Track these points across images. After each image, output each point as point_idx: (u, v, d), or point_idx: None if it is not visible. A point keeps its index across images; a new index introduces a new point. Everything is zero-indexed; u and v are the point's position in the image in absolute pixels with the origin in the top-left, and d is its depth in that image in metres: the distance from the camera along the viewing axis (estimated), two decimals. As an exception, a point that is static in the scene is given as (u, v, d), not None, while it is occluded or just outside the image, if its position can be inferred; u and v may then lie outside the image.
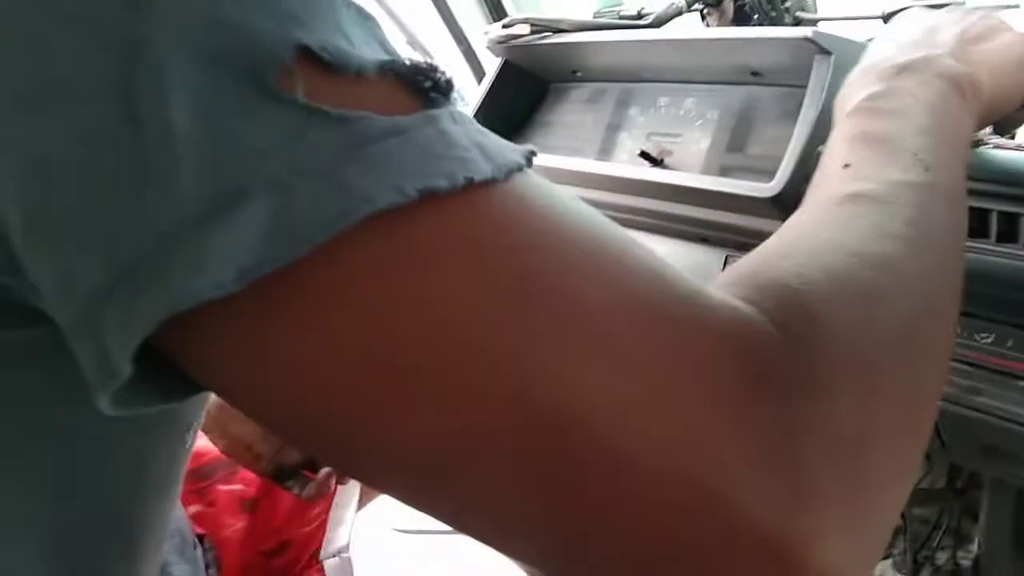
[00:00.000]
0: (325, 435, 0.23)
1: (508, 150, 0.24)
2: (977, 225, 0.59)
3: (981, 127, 0.46)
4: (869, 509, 0.26)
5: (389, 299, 0.21)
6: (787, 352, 0.25)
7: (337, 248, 0.20)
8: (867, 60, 0.47)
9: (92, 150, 0.20)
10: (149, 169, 0.20)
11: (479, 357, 0.21)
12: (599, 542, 0.23)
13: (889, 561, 1.07)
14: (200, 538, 0.70)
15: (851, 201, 0.34)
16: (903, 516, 1.03)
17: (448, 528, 0.25)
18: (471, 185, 0.22)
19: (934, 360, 0.31)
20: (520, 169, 0.24)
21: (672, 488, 0.22)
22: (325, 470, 0.69)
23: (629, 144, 0.90)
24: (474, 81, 1.27)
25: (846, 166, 0.37)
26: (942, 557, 1.04)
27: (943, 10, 0.51)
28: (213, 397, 0.69)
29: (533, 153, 0.25)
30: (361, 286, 0.21)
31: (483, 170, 0.23)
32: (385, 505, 1.12)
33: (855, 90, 0.44)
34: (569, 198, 0.25)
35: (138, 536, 0.36)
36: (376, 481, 0.25)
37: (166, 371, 0.23)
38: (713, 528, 0.22)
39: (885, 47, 0.47)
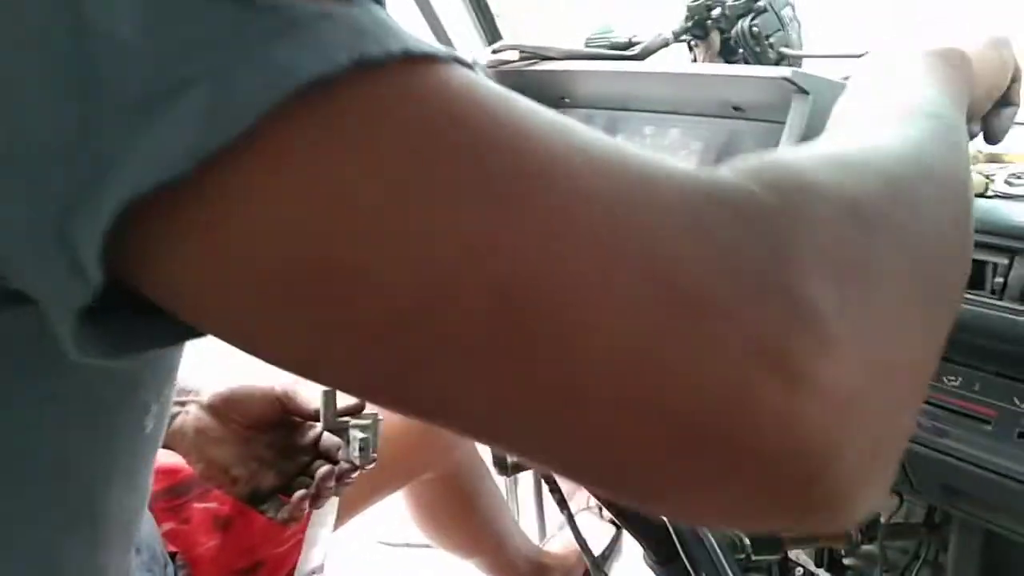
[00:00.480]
0: (280, 319, 0.23)
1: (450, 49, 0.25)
2: (945, 270, 0.60)
3: (981, 99, 0.48)
4: (879, 337, 0.25)
5: (335, 166, 0.21)
6: (767, 198, 0.25)
7: (277, 122, 0.21)
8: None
9: (49, 70, 0.21)
10: (100, 78, 0.21)
11: (433, 212, 0.21)
12: (591, 388, 0.22)
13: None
14: (172, 556, 0.71)
15: (836, 129, 0.35)
16: (881, 547, 1.03)
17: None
18: (408, 57, 0.22)
19: (938, 219, 0.31)
20: (460, 61, 0.24)
21: (657, 312, 0.22)
22: (299, 493, 0.70)
23: (615, 172, 0.91)
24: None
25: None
26: (920, 589, 1.04)
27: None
28: (191, 419, 0.71)
29: (475, 64, 0.25)
30: (304, 157, 0.21)
31: (421, 47, 0.23)
32: (370, 518, 1.13)
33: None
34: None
35: (100, 524, 0.36)
36: (332, 363, 0.24)
37: (128, 320, 0.24)
38: (709, 348, 0.22)
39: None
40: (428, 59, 0.23)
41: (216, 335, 0.24)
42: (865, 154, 0.30)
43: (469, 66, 0.24)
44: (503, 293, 0.21)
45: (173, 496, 0.75)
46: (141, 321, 0.24)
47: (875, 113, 0.37)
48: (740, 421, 0.22)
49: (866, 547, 1.03)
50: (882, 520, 1.00)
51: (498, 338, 0.22)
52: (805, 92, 0.69)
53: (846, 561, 1.11)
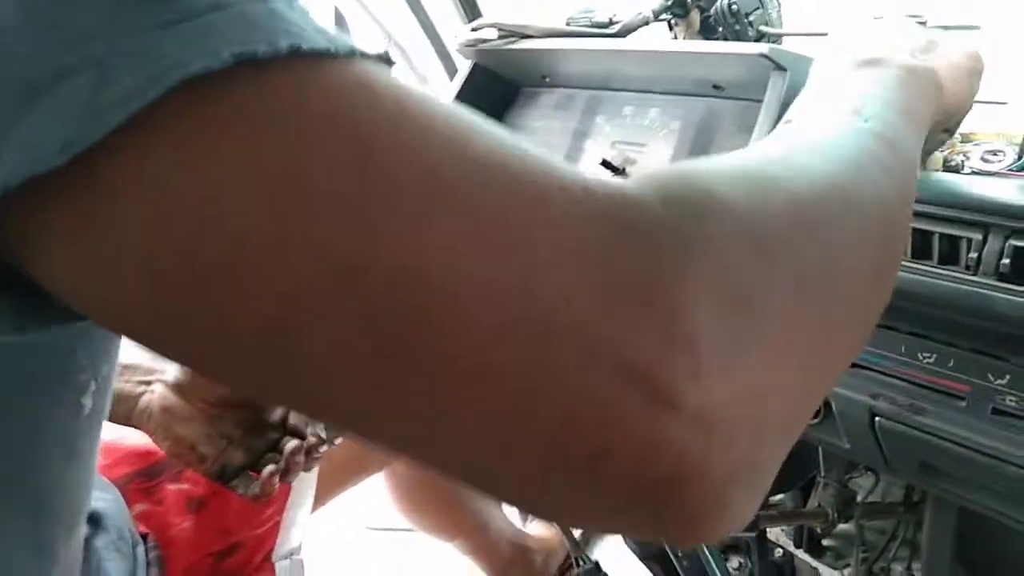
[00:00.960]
0: (152, 316, 0.23)
1: (354, 40, 0.23)
2: (920, 247, 0.60)
3: (936, 126, 0.48)
4: (757, 366, 0.25)
5: (206, 167, 0.21)
6: (664, 214, 0.24)
7: (154, 117, 0.20)
8: (830, 56, 0.48)
9: None
10: None
11: (307, 218, 0.21)
12: (459, 402, 0.22)
13: (849, 570, 1.08)
14: (144, 537, 0.70)
15: (777, 134, 0.35)
16: (859, 527, 1.03)
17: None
18: (298, 53, 0.21)
19: (848, 251, 0.31)
20: (366, 57, 0.23)
21: (530, 326, 0.22)
22: (269, 468, 0.69)
23: (595, 152, 0.90)
24: (448, 81, 1.27)
25: (787, 122, 0.38)
26: (898, 569, 1.05)
27: (882, 23, 0.52)
28: (156, 398, 0.70)
29: (389, 56, 0.24)
30: (177, 156, 0.21)
31: (315, 41, 0.22)
32: (353, 502, 1.13)
33: (819, 73, 0.46)
34: (429, 92, 0.24)
35: (41, 500, 0.36)
36: (202, 362, 0.24)
37: (26, 298, 0.24)
38: (579, 365, 0.22)
39: (844, 48, 0.48)
40: (321, 56, 0.22)
41: (97, 323, 0.24)
42: (782, 172, 0.30)
43: (377, 59, 0.24)
44: (373, 310, 0.21)
45: (145, 478, 0.75)
46: (41, 297, 0.24)
47: (822, 122, 0.36)
48: (604, 437, 0.23)
49: (843, 526, 1.04)
50: (859, 499, 1.01)
51: (367, 354, 0.22)
52: (783, 69, 0.69)
53: (825, 541, 1.12)
